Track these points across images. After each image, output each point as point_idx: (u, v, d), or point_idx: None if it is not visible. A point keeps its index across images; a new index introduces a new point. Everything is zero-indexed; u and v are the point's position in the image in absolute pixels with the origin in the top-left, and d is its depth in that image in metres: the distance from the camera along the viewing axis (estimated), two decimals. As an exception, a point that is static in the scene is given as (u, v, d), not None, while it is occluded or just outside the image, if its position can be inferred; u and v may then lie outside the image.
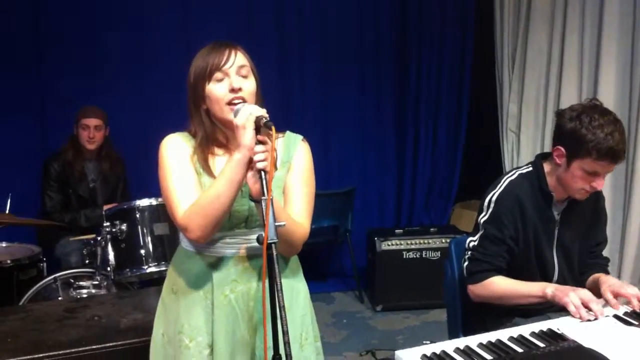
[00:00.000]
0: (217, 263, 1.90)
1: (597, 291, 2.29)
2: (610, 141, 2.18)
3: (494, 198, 2.39)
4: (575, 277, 2.51)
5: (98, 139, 4.09)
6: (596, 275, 2.47)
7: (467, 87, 5.68)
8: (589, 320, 2.07)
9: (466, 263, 2.43)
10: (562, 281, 2.44)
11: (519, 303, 2.35)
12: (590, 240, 2.54)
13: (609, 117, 2.24)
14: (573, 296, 2.13)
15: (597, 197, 2.53)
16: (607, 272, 2.53)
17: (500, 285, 2.35)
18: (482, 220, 2.40)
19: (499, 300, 2.37)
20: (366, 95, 5.59)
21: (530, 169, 2.46)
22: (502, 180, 2.44)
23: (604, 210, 2.58)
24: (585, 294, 2.16)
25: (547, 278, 2.44)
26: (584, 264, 2.53)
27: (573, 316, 2.10)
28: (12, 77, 4.51)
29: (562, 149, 2.30)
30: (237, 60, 1.86)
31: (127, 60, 4.78)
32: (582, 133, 2.21)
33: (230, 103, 1.83)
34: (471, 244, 2.43)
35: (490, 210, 2.39)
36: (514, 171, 2.49)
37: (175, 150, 1.90)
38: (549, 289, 2.24)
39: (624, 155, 2.24)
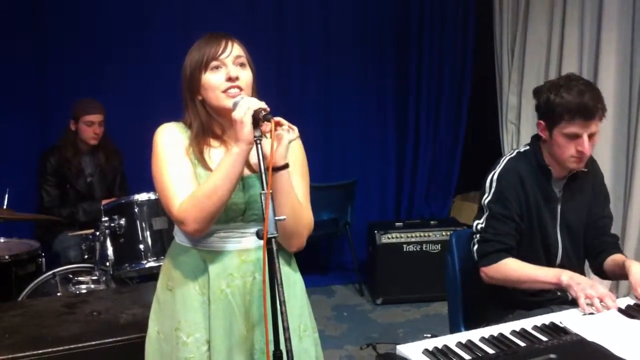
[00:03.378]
0: (213, 257, 1.88)
1: (618, 273, 2.33)
2: (578, 98, 2.22)
3: (495, 177, 2.41)
4: (580, 256, 2.50)
5: (100, 134, 4.07)
6: (618, 257, 2.43)
7: (468, 80, 5.68)
8: (591, 313, 2.05)
9: (476, 246, 2.40)
10: (566, 260, 2.44)
11: (532, 287, 2.33)
12: (593, 216, 2.52)
13: (577, 81, 2.29)
14: (590, 292, 2.10)
15: (595, 173, 2.54)
16: (620, 250, 2.52)
17: (515, 269, 2.32)
18: (486, 201, 2.40)
19: (512, 284, 2.35)
20: (367, 88, 5.58)
21: (528, 147, 2.49)
22: (502, 160, 2.47)
23: (604, 186, 2.58)
24: (602, 291, 2.11)
25: (551, 257, 2.43)
26: (595, 243, 2.50)
27: (581, 308, 2.08)
28: (12, 72, 4.49)
29: (542, 122, 2.35)
30: (233, 51, 1.86)
31: (126, 55, 4.76)
32: (552, 99, 2.28)
33: (226, 91, 1.82)
34: (479, 226, 2.41)
35: (493, 189, 2.39)
36: (512, 151, 2.53)
37: (171, 140, 1.87)
38: (564, 276, 2.20)
39: (598, 112, 2.25)
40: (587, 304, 2.08)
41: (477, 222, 2.43)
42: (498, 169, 2.42)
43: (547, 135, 2.35)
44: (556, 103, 2.25)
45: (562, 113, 2.24)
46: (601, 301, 2.08)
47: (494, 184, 2.40)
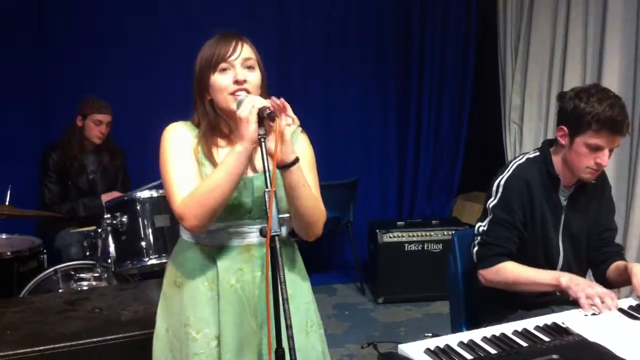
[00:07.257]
0: (221, 253, 1.89)
1: (621, 279, 2.32)
2: (609, 111, 2.20)
3: (502, 182, 2.39)
4: (581, 263, 2.49)
5: (106, 134, 4.07)
6: (620, 263, 2.44)
7: (470, 79, 5.68)
8: (594, 314, 2.05)
9: (476, 248, 2.40)
10: (566, 267, 2.43)
11: (530, 290, 2.32)
12: (598, 227, 2.51)
13: (607, 93, 2.27)
14: (590, 291, 2.10)
15: (603, 185, 2.52)
16: (623, 259, 2.51)
17: (513, 271, 2.31)
18: (491, 205, 2.38)
19: (510, 286, 2.34)
20: (368, 87, 5.59)
21: (538, 153, 2.46)
22: (511, 165, 2.44)
23: (611, 198, 2.57)
24: (601, 291, 2.11)
25: (552, 263, 2.42)
26: (598, 253, 2.50)
27: (582, 308, 2.07)
28: (14, 68, 4.49)
29: (565, 128, 2.32)
30: (243, 52, 1.86)
31: (128, 52, 4.76)
32: (581, 107, 2.24)
33: (233, 94, 1.82)
34: (480, 229, 2.40)
35: (499, 194, 2.37)
36: (522, 156, 2.49)
37: (178, 138, 1.89)
38: (563, 278, 2.20)
39: (625, 128, 2.25)
40: (589, 304, 2.07)
41: (479, 224, 2.42)
42: (506, 175, 2.40)
43: (567, 142, 2.31)
44: (586, 111, 2.22)
45: (591, 122, 2.21)
46: (601, 301, 2.07)
47: (500, 190, 2.38)
